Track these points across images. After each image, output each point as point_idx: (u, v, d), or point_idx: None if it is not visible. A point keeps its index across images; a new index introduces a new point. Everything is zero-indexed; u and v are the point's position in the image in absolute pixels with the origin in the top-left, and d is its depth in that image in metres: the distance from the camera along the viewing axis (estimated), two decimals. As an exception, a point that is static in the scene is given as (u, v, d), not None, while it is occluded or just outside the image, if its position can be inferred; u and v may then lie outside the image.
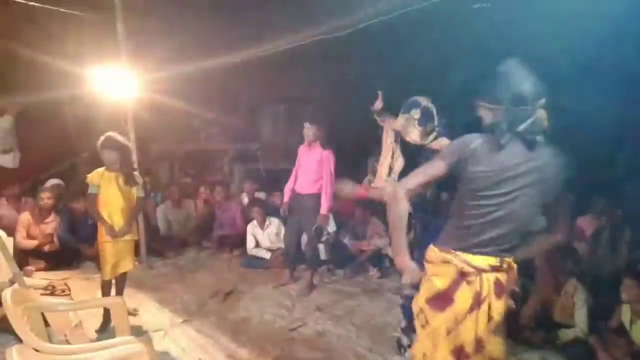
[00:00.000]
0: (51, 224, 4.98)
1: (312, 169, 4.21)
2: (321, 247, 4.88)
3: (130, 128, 4.80)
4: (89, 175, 3.45)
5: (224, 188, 6.60)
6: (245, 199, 6.27)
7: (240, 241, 5.56)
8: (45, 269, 4.74)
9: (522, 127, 1.69)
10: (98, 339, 3.33)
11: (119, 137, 3.47)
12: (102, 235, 3.41)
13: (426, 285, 1.88)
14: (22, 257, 4.56)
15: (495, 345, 1.82)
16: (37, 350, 2.03)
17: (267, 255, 5.19)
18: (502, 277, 1.79)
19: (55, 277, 4.55)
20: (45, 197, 4.94)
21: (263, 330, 3.58)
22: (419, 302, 1.90)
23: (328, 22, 4.60)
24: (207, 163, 8.56)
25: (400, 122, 2.91)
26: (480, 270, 1.76)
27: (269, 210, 5.40)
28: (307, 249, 4.46)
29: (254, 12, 5.44)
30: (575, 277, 3.33)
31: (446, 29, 5.01)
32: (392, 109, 3.11)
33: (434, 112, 2.81)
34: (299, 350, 3.26)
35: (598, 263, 4.33)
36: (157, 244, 5.50)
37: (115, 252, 3.44)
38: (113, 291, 3.74)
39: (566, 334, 3.19)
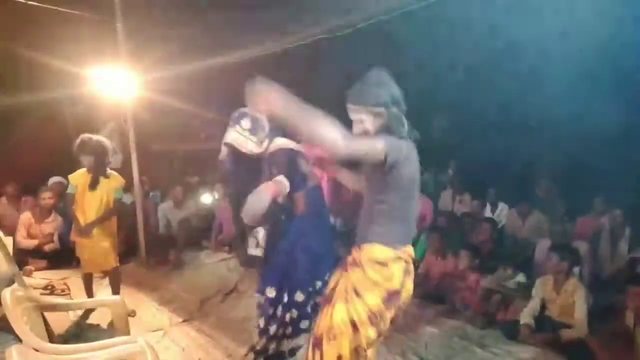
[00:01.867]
0: (52, 223, 4.98)
1: None
2: None
3: (130, 128, 4.81)
4: (70, 176, 3.58)
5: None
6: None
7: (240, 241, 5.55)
8: (46, 269, 4.75)
9: (407, 127, 1.86)
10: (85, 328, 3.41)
11: (94, 141, 3.51)
12: (73, 232, 3.59)
13: (381, 288, 1.84)
14: (22, 257, 4.56)
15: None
16: (37, 350, 2.03)
17: (267, 255, 5.18)
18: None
19: (55, 276, 4.55)
20: (47, 197, 4.94)
21: (263, 330, 3.57)
22: (373, 306, 1.82)
23: (328, 22, 4.60)
24: (207, 163, 8.55)
25: (231, 136, 2.56)
26: (413, 260, 1.95)
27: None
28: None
29: (254, 12, 5.44)
30: (575, 277, 3.33)
31: (446, 29, 5.01)
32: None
33: (264, 119, 2.59)
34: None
35: (598, 263, 4.32)
36: (156, 244, 5.50)
37: (87, 250, 3.59)
38: (107, 290, 3.79)
39: (566, 334, 3.20)
